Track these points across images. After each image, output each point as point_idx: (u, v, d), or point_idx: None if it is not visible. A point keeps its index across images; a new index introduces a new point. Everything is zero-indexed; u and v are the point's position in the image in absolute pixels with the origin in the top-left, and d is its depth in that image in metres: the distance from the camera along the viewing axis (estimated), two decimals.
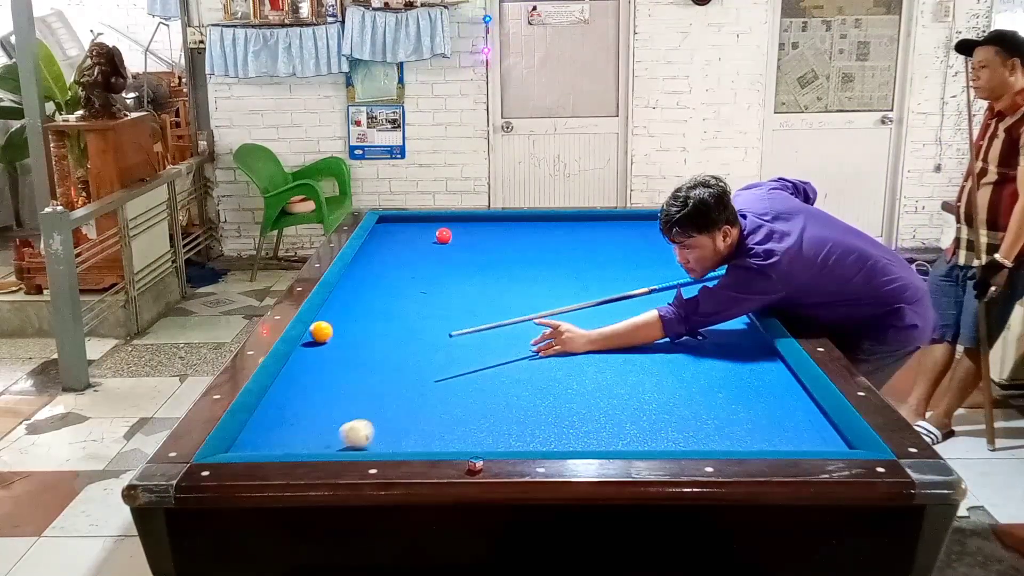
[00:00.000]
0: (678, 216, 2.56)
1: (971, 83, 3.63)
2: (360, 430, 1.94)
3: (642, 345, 2.55)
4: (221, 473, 1.78)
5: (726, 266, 2.65)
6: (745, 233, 2.62)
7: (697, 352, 2.50)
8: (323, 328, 2.63)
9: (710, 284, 2.64)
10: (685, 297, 2.59)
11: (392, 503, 1.76)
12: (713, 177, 2.63)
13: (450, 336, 2.55)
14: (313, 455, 1.90)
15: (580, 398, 2.21)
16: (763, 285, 2.55)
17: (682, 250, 2.65)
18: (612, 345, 2.54)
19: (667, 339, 2.57)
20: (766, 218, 2.65)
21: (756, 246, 2.57)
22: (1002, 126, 3.56)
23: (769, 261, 2.53)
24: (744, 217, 2.66)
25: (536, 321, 2.59)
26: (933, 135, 6.42)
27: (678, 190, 2.62)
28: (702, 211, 2.54)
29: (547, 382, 2.30)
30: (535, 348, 2.53)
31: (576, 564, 1.82)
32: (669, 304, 2.59)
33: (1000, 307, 3.67)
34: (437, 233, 3.72)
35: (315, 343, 2.61)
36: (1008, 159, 3.51)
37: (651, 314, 2.57)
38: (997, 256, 3.51)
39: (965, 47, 3.68)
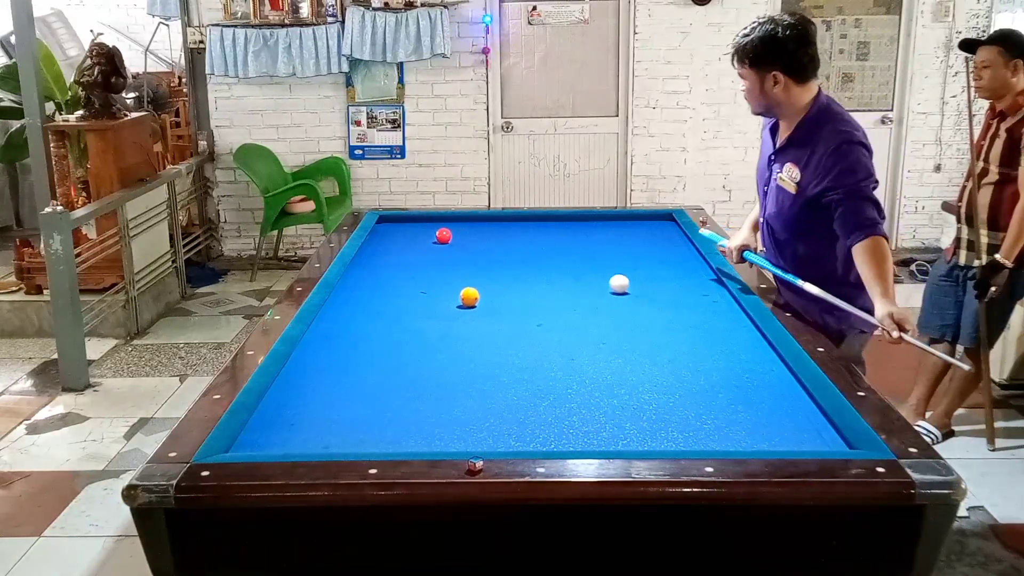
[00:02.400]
0: (735, 43, 2.59)
1: (973, 82, 3.63)
2: None
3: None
4: (221, 473, 1.78)
5: (831, 149, 2.51)
6: (841, 116, 2.56)
7: (697, 352, 2.49)
8: (471, 293, 2.84)
9: (848, 186, 2.48)
10: (854, 209, 2.47)
11: (392, 503, 1.76)
12: (796, 16, 2.56)
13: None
14: (313, 455, 1.90)
15: (580, 398, 2.21)
16: (866, 147, 2.53)
17: (740, 75, 2.63)
18: (891, 288, 2.41)
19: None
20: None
21: (854, 122, 2.55)
22: (1004, 126, 3.56)
23: (854, 133, 2.53)
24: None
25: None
26: (933, 135, 6.42)
27: (761, 18, 2.61)
28: (755, 47, 2.54)
29: (547, 382, 2.30)
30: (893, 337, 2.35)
31: (576, 564, 1.82)
32: (856, 229, 2.46)
33: (1000, 307, 3.67)
34: (437, 233, 3.72)
35: (466, 307, 2.84)
36: (1009, 159, 3.51)
37: (869, 243, 2.43)
38: (998, 256, 3.51)
39: (969, 46, 3.68)
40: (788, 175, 2.65)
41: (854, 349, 2.71)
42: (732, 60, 2.63)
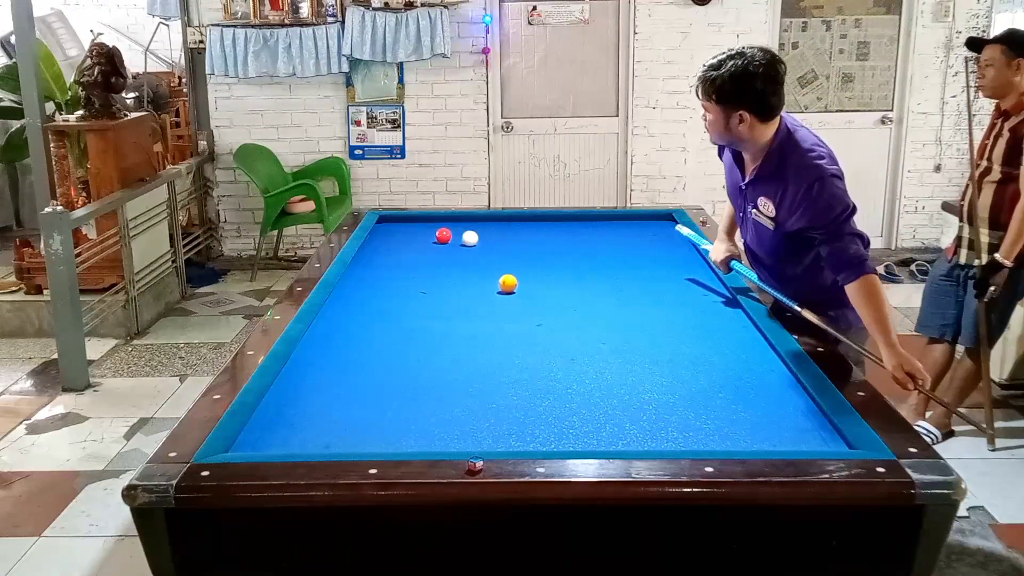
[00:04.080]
0: (702, 75, 2.50)
1: (977, 80, 3.63)
2: None
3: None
4: (221, 473, 1.78)
5: (802, 191, 2.46)
6: (805, 145, 2.50)
7: (697, 352, 2.49)
8: (510, 280, 2.99)
9: (827, 226, 2.45)
10: (838, 249, 2.43)
11: (392, 503, 1.76)
12: (766, 54, 2.47)
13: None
14: (313, 455, 1.90)
15: (580, 398, 2.21)
16: (837, 176, 2.47)
17: (703, 107, 2.55)
18: (892, 330, 2.36)
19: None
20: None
21: (819, 150, 2.50)
22: (1007, 125, 3.56)
23: (833, 165, 2.48)
24: (796, 131, 2.54)
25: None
26: (933, 135, 6.42)
27: (730, 51, 2.50)
28: (724, 84, 2.44)
29: (547, 382, 2.30)
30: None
31: (576, 564, 1.82)
32: (844, 269, 2.43)
33: (1001, 307, 3.67)
34: (437, 233, 3.72)
35: (505, 292, 3.00)
36: (1012, 158, 3.52)
37: (860, 284, 2.39)
38: (997, 256, 3.52)
39: (974, 44, 3.69)
40: (764, 210, 2.61)
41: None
42: (696, 91, 2.53)
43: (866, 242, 2.48)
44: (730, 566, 1.81)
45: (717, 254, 2.97)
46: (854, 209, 2.48)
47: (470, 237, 3.64)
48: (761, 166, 2.58)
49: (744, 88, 2.45)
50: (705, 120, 2.59)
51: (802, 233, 2.53)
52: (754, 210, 2.66)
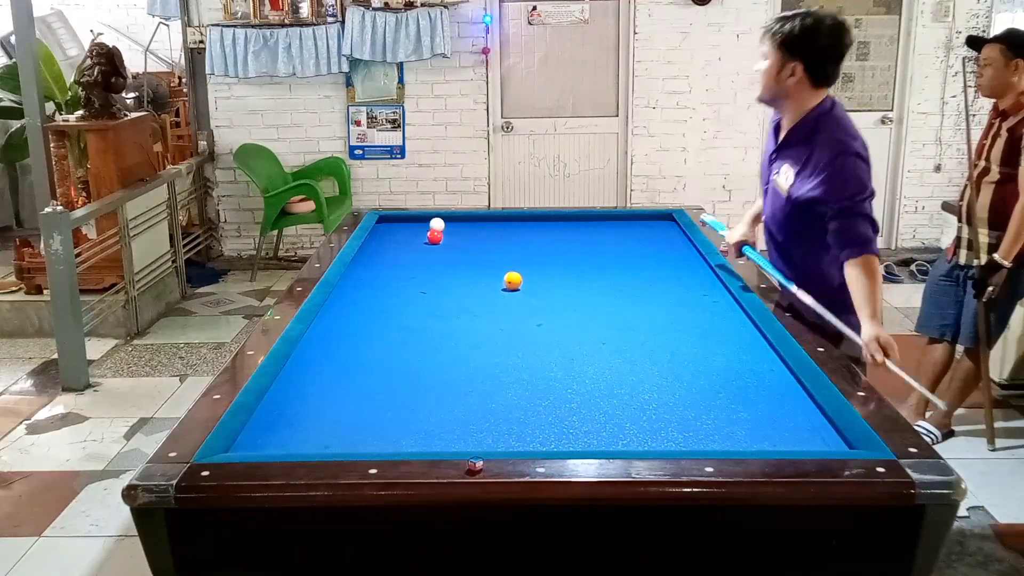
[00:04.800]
0: (773, 21, 2.57)
1: (976, 79, 3.63)
2: None
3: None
4: (221, 473, 1.78)
5: (824, 160, 2.49)
6: (842, 123, 2.53)
7: (697, 352, 2.49)
8: (514, 277, 3.02)
9: (841, 202, 2.47)
10: (848, 226, 2.45)
11: (392, 503, 1.76)
12: (838, 24, 2.51)
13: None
14: (313, 455, 1.90)
15: (580, 398, 2.21)
16: (863, 159, 2.50)
17: (761, 57, 2.59)
18: (880, 309, 2.42)
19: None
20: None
21: (854, 132, 2.53)
22: (1005, 125, 3.56)
23: (864, 150, 2.51)
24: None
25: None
26: (933, 135, 6.42)
27: (807, 9, 2.57)
28: (790, 31, 2.49)
29: (547, 382, 2.30)
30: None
31: (576, 564, 1.82)
32: (849, 245, 2.45)
33: (1000, 307, 3.67)
34: (428, 234, 3.72)
35: (510, 289, 3.02)
36: (1010, 158, 3.51)
37: (862, 261, 2.43)
38: (996, 256, 3.51)
39: (975, 43, 3.69)
40: (783, 176, 2.64)
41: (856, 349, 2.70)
42: (762, 36, 2.58)
43: (875, 228, 2.50)
44: (730, 566, 1.81)
45: (732, 236, 3.03)
46: (872, 194, 2.50)
47: (437, 224, 3.73)
48: (793, 130, 2.62)
49: (807, 43, 2.49)
50: (760, 70, 2.60)
51: (813, 206, 2.53)
52: (775, 176, 2.68)
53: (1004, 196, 3.55)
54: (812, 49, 2.50)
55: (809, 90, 2.55)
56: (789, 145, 2.64)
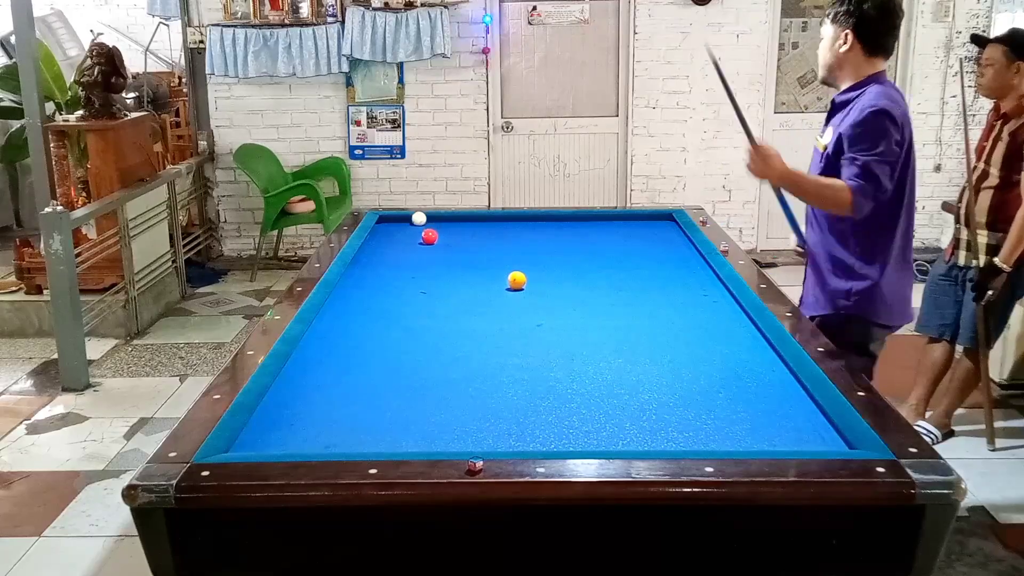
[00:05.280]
0: (828, 7, 2.75)
1: (976, 79, 3.62)
2: None
3: (825, 208, 2.66)
4: (221, 473, 1.78)
5: (856, 112, 2.60)
6: (888, 92, 2.63)
7: (697, 352, 2.49)
8: (519, 277, 3.03)
9: (853, 154, 2.57)
10: (861, 170, 2.54)
11: (392, 503, 1.76)
12: (890, 5, 2.69)
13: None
14: (313, 455, 1.90)
15: (580, 398, 2.21)
16: (890, 123, 2.55)
17: (823, 33, 2.77)
18: (799, 193, 2.63)
19: (852, 214, 2.56)
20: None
21: (898, 100, 2.63)
22: (1007, 129, 3.54)
23: (887, 104, 2.57)
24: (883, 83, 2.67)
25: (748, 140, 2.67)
26: (933, 135, 6.42)
27: None
28: (840, 5, 2.67)
29: (547, 382, 2.30)
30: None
31: (576, 564, 1.82)
32: (857, 178, 2.53)
33: (1000, 307, 3.67)
34: (423, 234, 3.71)
35: (514, 289, 3.02)
36: (1012, 163, 3.50)
37: (842, 183, 2.55)
38: (996, 260, 3.50)
39: (979, 40, 3.69)
40: (825, 137, 2.74)
41: (870, 341, 2.76)
42: (821, 23, 2.79)
43: (879, 187, 2.53)
44: (730, 566, 1.81)
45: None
46: (893, 162, 2.55)
47: (418, 218, 3.88)
48: (842, 93, 2.73)
49: (856, 12, 2.63)
50: (820, 50, 2.78)
51: (839, 157, 2.61)
52: (816, 139, 2.79)
53: (1003, 199, 3.55)
54: (861, 18, 2.63)
55: (863, 60, 2.67)
56: (836, 110, 2.74)
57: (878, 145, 2.53)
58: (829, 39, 2.71)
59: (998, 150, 3.56)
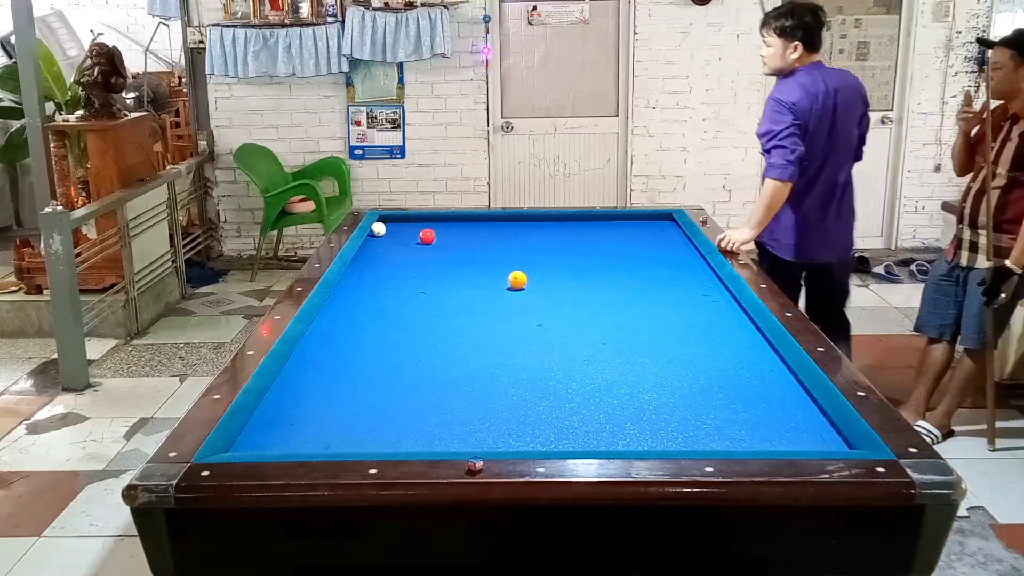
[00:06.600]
0: (767, 17, 3.45)
1: (988, 81, 3.61)
2: None
3: (780, 202, 3.36)
4: (221, 473, 1.78)
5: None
6: (796, 74, 3.38)
7: (697, 352, 2.50)
8: (520, 277, 3.08)
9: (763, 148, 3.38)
10: (766, 154, 3.34)
11: (392, 503, 1.76)
12: (818, 11, 3.40)
13: None
14: (313, 455, 1.90)
15: (580, 398, 2.21)
16: (780, 102, 3.32)
17: (763, 44, 3.45)
18: (766, 217, 3.37)
19: (790, 183, 3.30)
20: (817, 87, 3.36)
21: (801, 84, 3.35)
22: (1016, 130, 3.54)
23: (787, 98, 3.33)
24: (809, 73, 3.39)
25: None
26: (933, 135, 6.42)
27: (789, 4, 3.51)
28: (783, 22, 3.36)
29: (547, 382, 2.30)
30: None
31: (576, 564, 1.82)
32: (767, 164, 3.32)
33: (1002, 307, 3.66)
34: (421, 234, 3.71)
35: (514, 288, 3.07)
36: (1020, 164, 3.49)
37: (766, 183, 3.32)
38: (1008, 262, 3.49)
39: (985, 44, 3.69)
40: None
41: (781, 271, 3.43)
42: (761, 28, 3.45)
43: (786, 155, 3.26)
44: (730, 566, 1.81)
45: None
46: (783, 129, 3.26)
47: (379, 228, 3.89)
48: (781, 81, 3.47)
49: (800, 26, 3.35)
50: (763, 57, 3.47)
51: None
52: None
53: (1008, 200, 3.54)
54: (806, 29, 3.35)
55: (807, 57, 3.40)
56: None
57: (765, 128, 3.32)
58: (779, 49, 3.39)
59: (1007, 151, 3.55)
